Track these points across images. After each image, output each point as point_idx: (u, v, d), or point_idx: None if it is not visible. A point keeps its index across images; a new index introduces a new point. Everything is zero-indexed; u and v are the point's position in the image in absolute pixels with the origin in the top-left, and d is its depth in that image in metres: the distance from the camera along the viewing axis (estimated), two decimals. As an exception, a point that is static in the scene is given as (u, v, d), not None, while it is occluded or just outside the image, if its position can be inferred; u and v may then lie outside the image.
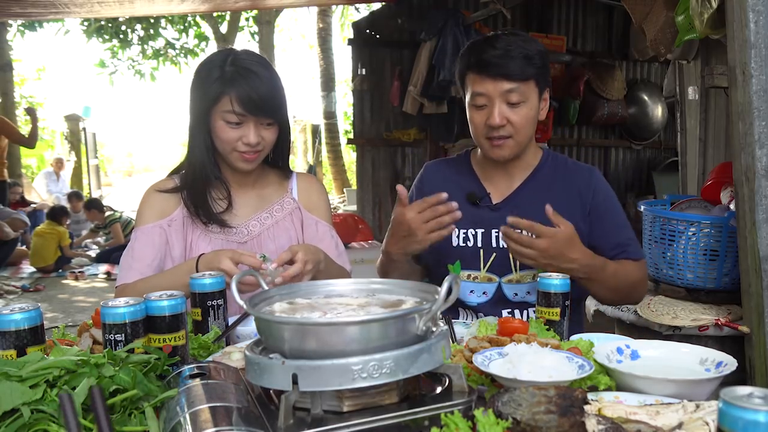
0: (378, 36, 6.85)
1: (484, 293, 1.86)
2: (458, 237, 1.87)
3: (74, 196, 9.87)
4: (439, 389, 1.06)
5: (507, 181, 1.89)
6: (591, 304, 2.91)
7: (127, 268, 1.74)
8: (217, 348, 1.37)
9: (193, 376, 1.05)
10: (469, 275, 1.87)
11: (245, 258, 1.55)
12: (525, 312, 1.84)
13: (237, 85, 1.64)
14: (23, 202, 9.83)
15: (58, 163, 12.46)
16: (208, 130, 1.72)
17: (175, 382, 1.05)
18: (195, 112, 1.74)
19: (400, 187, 1.67)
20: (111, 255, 8.13)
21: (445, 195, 1.62)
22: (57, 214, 8.14)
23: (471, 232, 1.86)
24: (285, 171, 1.93)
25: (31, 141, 7.45)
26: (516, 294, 1.84)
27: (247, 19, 13.25)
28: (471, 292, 1.87)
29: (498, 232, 1.82)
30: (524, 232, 1.63)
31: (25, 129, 9.36)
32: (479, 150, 1.93)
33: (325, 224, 1.91)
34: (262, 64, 1.71)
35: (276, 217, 1.87)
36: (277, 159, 1.90)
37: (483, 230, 1.85)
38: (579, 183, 1.86)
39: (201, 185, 1.78)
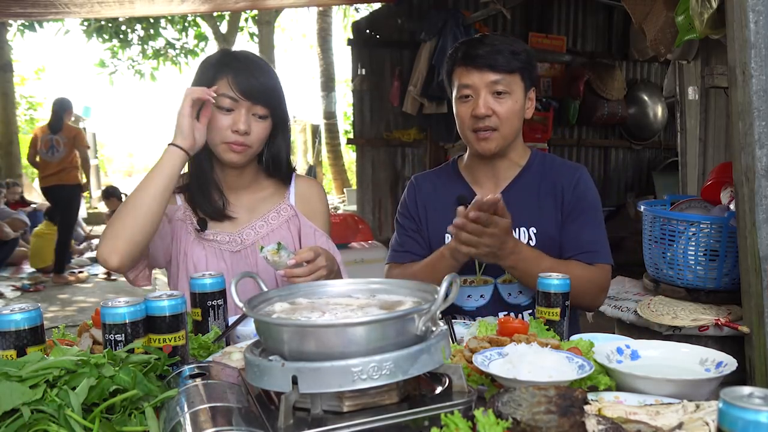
0: (378, 36, 6.85)
1: (481, 296, 1.86)
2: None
3: None
4: (439, 389, 1.06)
5: (494, 181, 1.90)
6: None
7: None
8: (217, 348, 1.37)
9: (193, 376, 1.05)
10: (465, 280, 1.86)
11: (195, 91, 1.57)
12: (520, 316, 1.83)
13: (234, 68, 1.66)
14: (23, 202, 9.82)
15: None
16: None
17: (175, 382, 1.05)
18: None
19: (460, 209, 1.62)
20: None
21: (497, 197, 1.59)
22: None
23: None
24: (282, 177, 1.86)
25: (86, 167, 7.86)
26: (510, 294, 1.85)
27: (246, 20, 13.25)
28: (468, 296, 1.87)
29: None
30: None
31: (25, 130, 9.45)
32: (466, 155, 1.96)
33: (323, 234, 1.86)
34: (262, 60, 1.76)
35: (272, 225, 1.82)
36: (274, 164, 1.81)
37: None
38: (563, 180, 1.85)
39: (203, 180, 1.75)
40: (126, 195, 9.49)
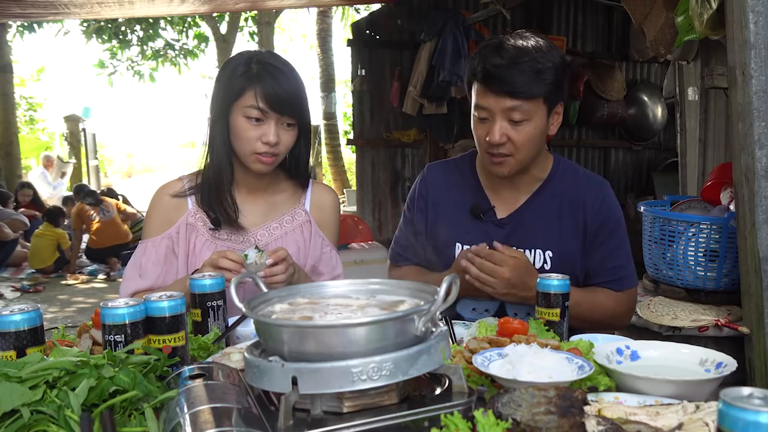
0: (378, 37, 6.85)
1: (486, 310, 1.81)
2: None
3: (69, 201, 9.78)
4: (438, 390, 1.06)
5: (513, 194, 1.81)
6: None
7: (134, 277, 1.74)
8: (217, 349, 1.37)
9: (192, 377, 1.05)
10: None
11: (224, 263, 1.56)
12: None
13: (263, 80, 1.62)
14: (34, 204, 9.77)
15: (47, 160, 12.43)
16: (228, 128, 1.69)
17: (175, 383, 1.05)
18: (216, 109, 1.70)
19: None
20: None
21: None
22: (54, 215, 8.13)
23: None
24: (300, 180, 1.86)
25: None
26: (516, 314, 1.78)
27: (246, 20, 13.25)
28: (473, 309, 1.82)
29: None
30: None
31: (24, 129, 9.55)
32: None
33: (329, 244, 1.87)
34: (287, 65, 1.70)
35: (285, 228, 1.82)
36: (294, 167, 1.81)
37: (487, 247, 1.78)
38: (587, 198, 1.77)
39: (220, 187, 1.74)
40: (123, 196, 9.66)
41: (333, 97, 13.31)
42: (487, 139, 1.65)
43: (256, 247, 1.59)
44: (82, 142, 13.75)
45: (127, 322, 1.15)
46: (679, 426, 0.92)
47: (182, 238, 1.76)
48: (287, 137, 1.68)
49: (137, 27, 12.12)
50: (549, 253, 1.75)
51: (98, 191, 9.04)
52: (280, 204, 1.84)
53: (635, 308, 1.88)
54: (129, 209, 8.75)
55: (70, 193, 10.71)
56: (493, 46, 1.66)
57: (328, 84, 13.34)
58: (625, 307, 1.80)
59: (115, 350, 1.13)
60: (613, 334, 1.54)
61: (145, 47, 12.59)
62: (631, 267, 1.80)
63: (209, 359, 1.29)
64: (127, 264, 1.80)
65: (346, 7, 13.66)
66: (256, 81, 1.62)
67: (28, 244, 8.24)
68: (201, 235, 1.76)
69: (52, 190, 11.54)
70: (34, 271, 7.83)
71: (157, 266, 1.75)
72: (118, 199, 9.29)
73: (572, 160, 2.18)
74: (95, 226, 7.94)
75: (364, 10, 9.55)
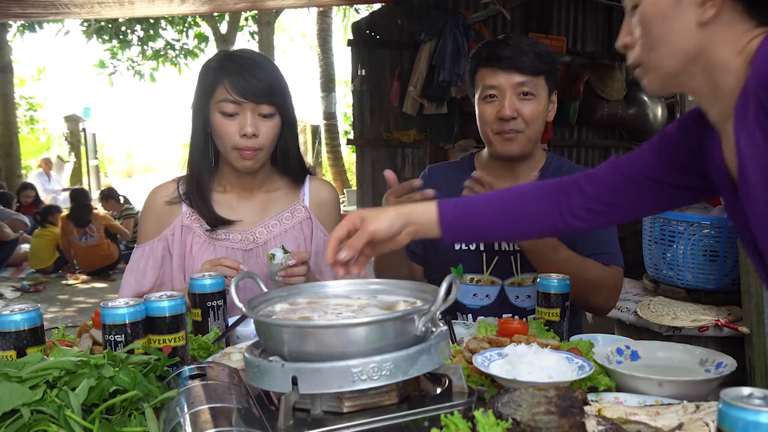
0: (378, 37, 6.85)
1: (486, 296, 1.85)
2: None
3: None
4: (439, 390, 1.06)
5: (512, 183, 1.84)
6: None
7: (131, 282, 1.75)
8: (217, 349, 1.37)
9: (193, 377, 1.05)
10: (471, 278, 1.85)
11: (222, 270, 1.56)
12: (524, 320, 1.82)
13: (232, 72, 1.62)
14: (35, 206, 9.78)
15: (47, 163, 12.41)
16: (207, 128, 1.68)
17: (175, 383, 1.05)
18: (194, 110, 1.71)
19: (388, 172, 1.62)
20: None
21: (418, 182, 1.60)
22: (47, 215, 8.11)
23: None
24: (295, 175, 1.84)
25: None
26: (517, 297, 1.83)
27: (246, 20, 13.25)
28: (474, 295, 1.86)
29: None
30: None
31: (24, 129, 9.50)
32: (484, 152, 1.92)
33: None
34: (260, 56, 1.71)
35: (285, 225, 1.80)
36: (283, 161, 1.78)
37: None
38: None
39: (201, 186, 1.74)
40: (125, 197, 9.42)
41: (333, 97, 13.32)
42: (499, 115, 1.74)
43: (282, 248, 1.58)
44: (82, 142, 13.75)
45: (127, 322, 1.15)
46: (679, 426, 0.93)
47: (177, 240, 1.75)
48: (267, 128, 1.65)
49: (137, 27, 12.11)
50: None
51: (99, 191, 8.78)
52: (276, 201, 1.83)
53: (620, 293, 1.84)
54: (122, 228, 7.99)
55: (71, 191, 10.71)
56: (494, 40, 1.82)
57: (328, 84, 13.34)
58: (611, 282, 1.78)
59: (115, 350, 1.13)
60: (613, 333, 1.54)
61: (145, 47, 12.58)
62: (619, 249, 1.82)
63: (209, 359, 1.29)
64: (125, 270, 1.79)
65: (347, 7, 13.67)
66: (225, 74, 1.63)
67: (29, 237, 8.23)
68: (198, 237, 1.75)
69: (45, 193, 11.49)
70: (34, 271, 7.84)
71: (155, 269, 1.75)
72: (120, 200, 9.25)
73: (572, 160, 2.20)
74: (76, 249, 7.61)
75: (364, 10, 9.55)
